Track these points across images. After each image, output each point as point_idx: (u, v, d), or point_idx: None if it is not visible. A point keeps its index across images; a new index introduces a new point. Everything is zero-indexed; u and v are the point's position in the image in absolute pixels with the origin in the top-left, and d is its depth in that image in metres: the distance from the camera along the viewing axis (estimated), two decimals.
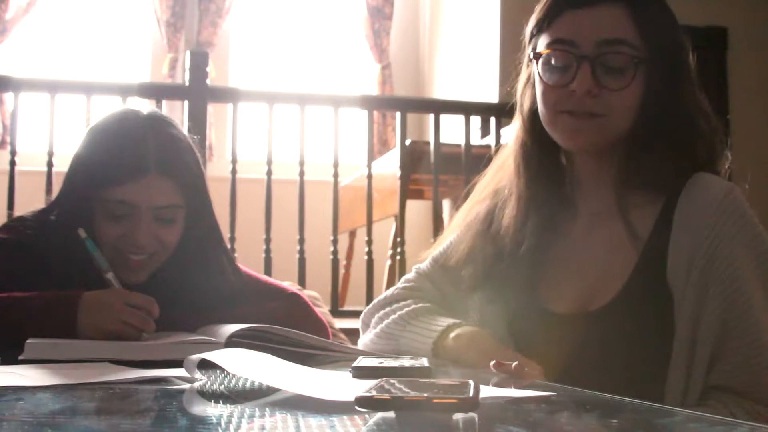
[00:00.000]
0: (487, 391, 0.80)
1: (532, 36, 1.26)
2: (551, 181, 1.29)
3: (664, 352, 1.12)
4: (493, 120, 3.73)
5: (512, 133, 1.33)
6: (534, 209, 1.27)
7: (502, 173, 1.35)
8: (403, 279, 1.45)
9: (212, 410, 0.75)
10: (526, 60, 1.29)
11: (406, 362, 1.00)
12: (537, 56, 1.22)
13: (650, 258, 1.17)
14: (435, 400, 0.61)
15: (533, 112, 1.27)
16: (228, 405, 0.77)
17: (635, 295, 1.16)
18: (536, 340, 1.23)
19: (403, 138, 3.65)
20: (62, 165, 1.60)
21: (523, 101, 1.29)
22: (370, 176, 3.61)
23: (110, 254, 1.35)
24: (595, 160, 1.24)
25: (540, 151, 1.27)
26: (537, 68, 1.23)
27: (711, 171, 1.21)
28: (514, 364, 1.05)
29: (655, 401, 1.09)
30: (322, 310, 2.65)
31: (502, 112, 3.73)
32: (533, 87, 1.26)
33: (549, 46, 1.21)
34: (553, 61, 1.20)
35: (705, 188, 1.16)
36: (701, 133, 1.22)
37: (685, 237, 1.14)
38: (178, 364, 0.94)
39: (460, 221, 1.39)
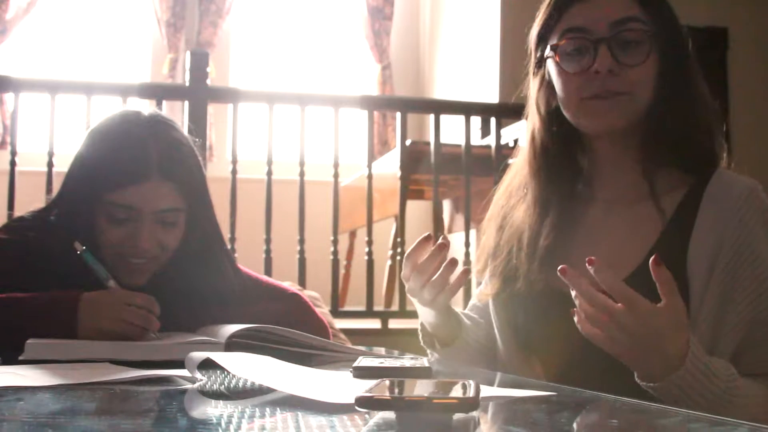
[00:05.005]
0: (487, 391, 0.80)
1: (540, 38, 1.30)
2: (568, 179, 1.32)
3: None
4: (493, 120, 3.73)
5: (527, 137, 1.35)
6: (552, 208, 1.30)
7: (517, 179, 1.38)
8: None
9: (212, 410, 0.75)
10: (533, 65, 1.33)
11: (406, 362, 1.00)
12: (554, 48, 1.26)
13: (668, 245, 1.20)
14: (435, 400, 0.61)
15: (550, 112, 1.30)
16: (228, 405, 0.77)
17: (648, 278, 1.18)
18: (545, 322, 1.24)
19: (403, 138, 3.65)
20: (62, 165, 1.60)
21: (539, 104, 1.32)
22: (370, 176, 3.60)
23: (111, 257, 1.35)
24: (616, 144, 1.27)
25: (559, 151, 1.31)
26: (554, 61, 1.26)
27: (712, 159, 1.25)
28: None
29: None
30: (322, 311, 2.65)
31: (502, 112, 3.74)
32: (547, 88, 1.30)
33: (563, 37, 1.25)
34: (570, 50, 1.24)
35: (729, 186, 1.20)
36: (699, 119, 1.26)
37: (709, 233, 1.17)
38: (178, 364, 0.94)
39: (485, 231, 1.42)
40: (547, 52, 1.28)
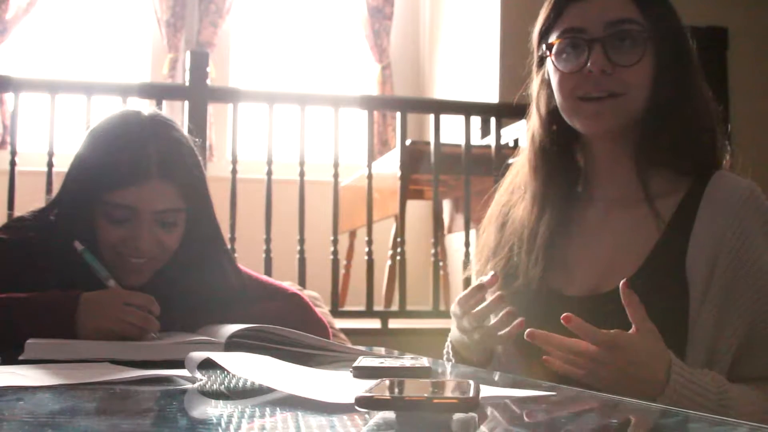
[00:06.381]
0: (487, 391, 0.80)
1: (541, 37, 1.30)
2: (567, 178, 1.33)
3: (673, 339, 1.14)
4: (493, 120, 3.73)
5: (528, 135, 1.36)
6: (550, 206, 1.30)
7: (518, 178, 1.38)
8: None
9: (212, 410, 0.75)
10: (535, 64, 1.34)
11: (406, 362, 1.00)
12: (549, 47, 1.26)
13: (668, 246, 1.20)
14: (435, 400, 0.61)
15: (550, 112, 1.31)
16: (228, 405, 0.77)
17: (649, 279, 1.18)
18: (544, 321, 1.24)
19: (403, 138, 3.65)
20: (62, 165, 1.60)
21: (539, 103, 1.33)
22: (370, 176, 3.60)
23: (110, 257, 1.35)
24: (613, 144, 1.28)
25: (558, 150, 1.32)
26: (551, 60, 1.27)
27: (714, 160, 1.26)
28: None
29: None
30: (322, 310, 2.65)
31: (502, 112, 3.74)
32: (547, 88, 1.30)
33: (560, 36, 1.26)
34: (565, 50, 1.25)
35: (728, 188, 1.20)
36: (700, 121, 1.26)
37: (708, 236, 1.18)
38: (178, 364, 0.94)
39: (485, 229, 1.43)
40: (544, 51, 1.28)
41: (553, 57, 1.26)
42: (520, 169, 1.38)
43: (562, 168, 1.32)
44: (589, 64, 1.21)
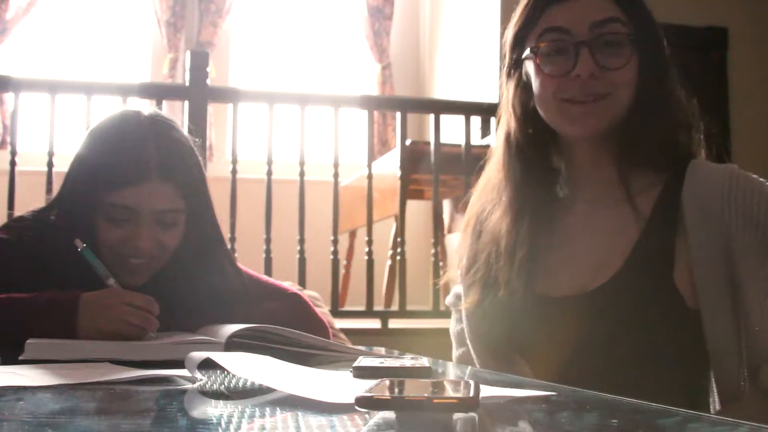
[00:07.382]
0: (487, 391, 0.80)
1: (517, 40, 1.28)
2: (544, 182, 1.31)
3: (670, 332, 1.13)
4: (493, 120, 3.72)
5: (501, 139, 1.33)
6: (528, 212, 1.28)
7: (491, 185, 1.37)
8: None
9: (213, 410, 0.75)
10: (509, 65, 1.31)
11: (406, 362, 1.00)
12: (534, 50, 1.23)
13: (650, 244, 1.19)
14: (435, 400, 0.61)
15: (526, 114, 1.28)
16: (228, 405, 0.77)
17: (635, 273, 1.18)
18: (533, 328, 1.24)
19: (403, 138, 3.65)
20: (62, 165, 1.60)
21: (515, 106, 1.30)
22: (370, 176, 3.61)
23: (110, 257, 1.35)
24: (595, 145, 1.26)
25: (534, 153, 1.29)
26: (533, 62, 1.24)
27: (689, 156, 1.24)
28: None
29: (675, 382, 1.11)
30: (323, 310, 2.65)
31: None
32: (524, 90, 1.28)
33: (543, 38, 1.23)
34: (549, 52, 1.22)
35: (709, 177, 1.18)
36: (679, 118, 1.25)
37: (708, 229, 1.15)
38: (178, 364, 0.94)
39: (461, 239, 1.42)
40: (527, 53, 1.26)
41: (536, 59, 1.23)
42: (491, 175, 1.35)
43: (539, 171, 1.29)
44: (577, 68, 1.19)
